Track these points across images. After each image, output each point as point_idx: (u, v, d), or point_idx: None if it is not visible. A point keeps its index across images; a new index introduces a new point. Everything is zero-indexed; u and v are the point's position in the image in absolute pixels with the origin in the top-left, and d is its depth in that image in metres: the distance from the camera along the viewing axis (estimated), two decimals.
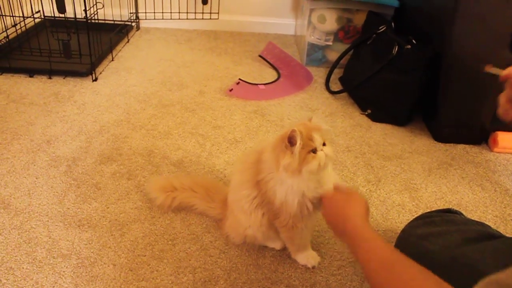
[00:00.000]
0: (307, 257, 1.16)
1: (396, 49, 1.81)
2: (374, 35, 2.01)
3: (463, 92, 1.67)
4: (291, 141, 0.95)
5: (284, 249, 1.20)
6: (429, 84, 1.75)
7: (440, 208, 1.39)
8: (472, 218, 1.35)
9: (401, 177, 1.53)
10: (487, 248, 0.94)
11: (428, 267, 1.00)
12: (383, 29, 1.97)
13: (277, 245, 1.20)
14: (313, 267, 1.16)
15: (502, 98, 0.94)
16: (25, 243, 1.19)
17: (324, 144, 0.99)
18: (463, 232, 1.02)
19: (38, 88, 1.96)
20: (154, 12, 2.69)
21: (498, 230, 1.33)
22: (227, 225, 1.23)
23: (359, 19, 2.19)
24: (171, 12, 2.68)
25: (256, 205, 1.09)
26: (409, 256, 1.07)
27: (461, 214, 1.15)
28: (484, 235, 1.00)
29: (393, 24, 1.97)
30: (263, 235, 1.16)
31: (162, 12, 2.68)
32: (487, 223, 1.34)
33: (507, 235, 1.11)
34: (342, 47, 2.21)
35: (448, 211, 1.16)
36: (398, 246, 1.13)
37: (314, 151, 0.96)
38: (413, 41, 1.79)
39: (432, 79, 1.73)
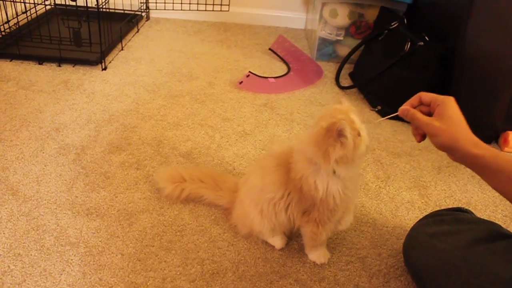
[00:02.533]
0: (319, 255, 1.15)
1: (409, 45, 1.80)
2: (386, 31, 1.99)
3: (475, 90, 1.65)
4: (340, 133, 0.92)
5: (288, 245, 1.20)
6: (441, 82, 1.74)
7: (450, 206, 1.39)
8: (482, 217, 1.35)
9: (411, 174, 1.52)
10: (498, 248, 0.94)
11: (438, 266, 0.99)
12: (395, 25, 1.95)
13: (278, 244, 1.19)
14: (322, 264, 1.15)
15: (412, 126, 0.97)
16: (33, 230, 1.19)
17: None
18: (474, 232, 1.01)
19: (47, 76, 1.96)
20: (165, 3, 2.68)
21: (508, 229, 1.33)
22: (234, 215, 1.22)
23: (371, 15, 2.17)
24: (181, 3, 2.66)
25: (282, 206, 1.07)
26: (418, 255, 1.07)
27: (471, 213, 1.15)
28: (496, 234, 0.99)
29: (405, 20, 1.95)
30: (271, 233, 1.16)
31: (173, 3, 2.67)
32: (497, 222, 1.34)
33: None
34: (353, 42, 2.19)
35: (458, 209, 1.15)
36: (408, 244, 1.13)
37: (359, 134, 0.95)
38: (426, 38, 1.78)
39: (444, 77, 1.72)
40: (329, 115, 0.97)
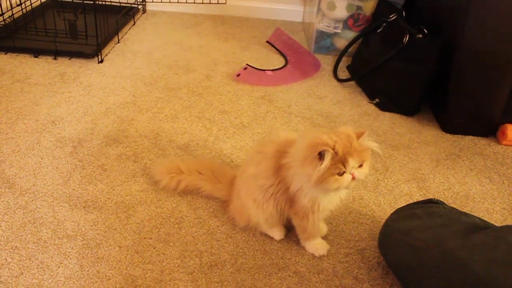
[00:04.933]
0: (316, 246, 1.15)
1: (407, 38, 1.79)
2: (384, 24, 1.98)
3: (474, 83, 1.65)
4: (321, 155, 0.93)
5: (287, 237, 1.19)
6: (440, 75, 1.73)
7: (448, 199, 1.39)
8: (475, 211, 1.34)
9: (409, 166, 1.52)
10: (474, 243, 0.92)
11: (417, 266, 0.98)
12: (393, 18, 1.94)
13: (276, 236, 1.19)
14: (320, 256, 1.15)
15: None
16: (30, 223, 1.18)
17: (361, 165, 0.96)
18: (448, 226, 0.99)
19: (43, 69, 1.94)
20: None
21: (506, 222, 1.33)
22: (231, 208, 1.22)
23: (369, 7, 2.16)
24: None
25: (270, 194, 1.08)
26: (395, 254, 1.05)
27: (443, 203, 1.11)
28: (470, 227, 0.97)
29: (404, 12, 1.94)
30: (267, 224, 1.15)
31: None
32: (495, 215, 1.34)
33: None
34: (351, 35, 2.18)
35: (430, 201, 1.12)
36: (382, 242, 1.11)
37: (341, 174, 0.95)
38: (425, 30, 1.77)
39: (443, 70, 1.71)
40: (334, 134, 0.96)
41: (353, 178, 0.95)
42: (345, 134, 0.96)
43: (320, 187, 0.96)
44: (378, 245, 1.14)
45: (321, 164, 0.92)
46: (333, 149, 0.92)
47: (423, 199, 1.16)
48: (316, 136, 0.96)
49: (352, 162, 0.94)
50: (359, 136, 0.96)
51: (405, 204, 1.16)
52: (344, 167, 0.93)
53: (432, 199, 1.12)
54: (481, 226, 0.98)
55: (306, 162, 0.95)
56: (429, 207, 1.07)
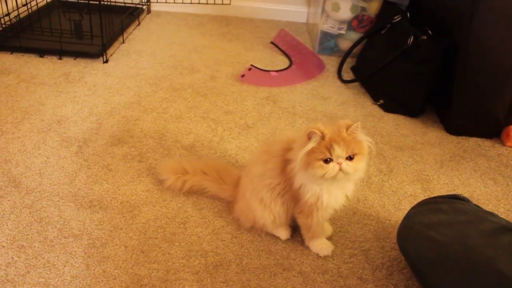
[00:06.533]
0: (320, 246, 1.15)
1: (412, 39, 1.79)
2: (389, 25, 1.98)
3: (478, 85, 1.65)
4: (309, 137, 0.96)
5: (292, 237, 1.20)
6: (444, 76, 1.73)
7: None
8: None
9: (413, 168, 1.52)
10: (502, 244, 0.91)
11: (439, 261, 0.97)
12: (398, 19, 1.94)
13: (282, 236, 1.19)
14: (325, 256, 1.15)
15: None
16: (36, 222, 1.19)
17: (351, 158, 0.97)
18: (475, 224, 0.98)
19: (48, 69, 1.95)
20: None
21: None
22: (236, 209, 1.22)
23: (374, 8, 2.16)
24: None
25: (277, 193, 1.09)
26: (415, 246, 1.04)
27: (468, 201, 1.09)
28: (497, 227, 0.96)
29: (408, 14, 1.94)
30: (274, 225, 1.16)
31: None
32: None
33: None
34: (355, 36, 2.18)
35: (455, 197, 1.09)
36: (403, 235, 1.10)
37: (327, 160, 0.96)
38: (429, 32, 1.77)
39: (447, 71, 1.71)
40: (329, 124, 0.99)
41: (340, 170, 0.96)
42: (337, 124, 0.99)
43: (307, 172, 0.98)
44: (397, 236, 1.12)
45: (308, 142, 0.96)
46: (321, 132, 0.95)
47: (448, 194, 1.14)
48: (312, 125, 1.00)
49: (338, 150, 0.95)
50: (349, 127, 0.98)
51: (426, 198, 1.14)
52: (330, 154, 0.95)
53: (457, 195, 1.10)
54: (508, 227, 0.97)
55: (301, 147, 0.98)
56: (454, 203, 1.06)
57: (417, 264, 1.05)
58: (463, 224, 0.99)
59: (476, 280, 0.90)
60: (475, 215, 1.02)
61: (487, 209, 1.35)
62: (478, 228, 0.96)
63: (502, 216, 1.31)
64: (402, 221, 1.11)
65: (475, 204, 1.09)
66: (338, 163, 0.96)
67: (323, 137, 0.96)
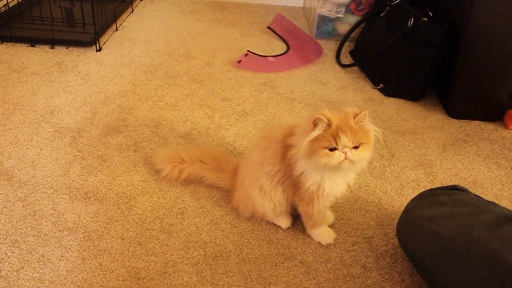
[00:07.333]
0: (322, 234, 1.12)
1: (412, 21, 1.74)
2: (388, 7, 1.94)
3: (480, 68, 1.61)
4: (315, 124, 0.93)
5: (293, 225, 1.17)
6: (445, 58, 1.69)
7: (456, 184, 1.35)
8: (483, 197, 1.30)
9: (415, 152, 1.49)
10: (506, 234, 0.88)
11: (441, 255, 0.94)
12: (397, 1, 1.90)
13: (283, 224, 1.16)
14: (327, 245, 1.13)
15: None
16: (30, 215, 1.16)
17: (357, 147, 0.94)
18: (477, 215, 0.95)
19: (40, 58, 1.90)
20: None
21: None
22: (235, 197, 1.20)
23: None
24: None
25: (278, 180, 1.06)
26: (416, 241, 1.01)
27: (468, 191, 1.06)
28: (500, 217, 0.93)
29: None
30: (274, 213, 1.13)
31: None
32: (503, 201, 1.31)
33: None
34: (353, 19, 2.14)
35: (454, 188, 1.07)
36: (403, 229, 1.07)
37: (332, 149, 0.93)
38: (430, 13, 1.73)
39: (449, 53, 1.67)
40: (336, 111, 0.96)
41: (346, 158, 0.94)
42: (344, 112, 0.96)
43: (311, 160, 0.95)
44: (397, 231, 1.10)
45: (313, 130, 0.93)
46: (328, 120, 0.92)
47: (446, 185, 1.11)
48: (319, 111, 0.96)
49: (344, 139, 0.92)
50: (357, 115, 0.95)
51: (425, 190, 1.11)
52: (336, 142, 0.92)
53: (456, 185, 1.07)
54: (510, 217, 0.94)
55: (304, 133, 0.95)
56: (454, 194, 1.03)
57: (419, 258, 1.02)
58: (464, 216, 0.96)
59: (481, 273, 0.87)
60: (476, 205, 0.99)
61: (491, 193, 1.33)
62: (480, 219, 0.94)
63: (506, 201, 1.30)
64: (401, 214, 1.09)
65: (475, 194, 1.06)
66: (344, 152, 0.93)
67: (329, 125, 0.93)
